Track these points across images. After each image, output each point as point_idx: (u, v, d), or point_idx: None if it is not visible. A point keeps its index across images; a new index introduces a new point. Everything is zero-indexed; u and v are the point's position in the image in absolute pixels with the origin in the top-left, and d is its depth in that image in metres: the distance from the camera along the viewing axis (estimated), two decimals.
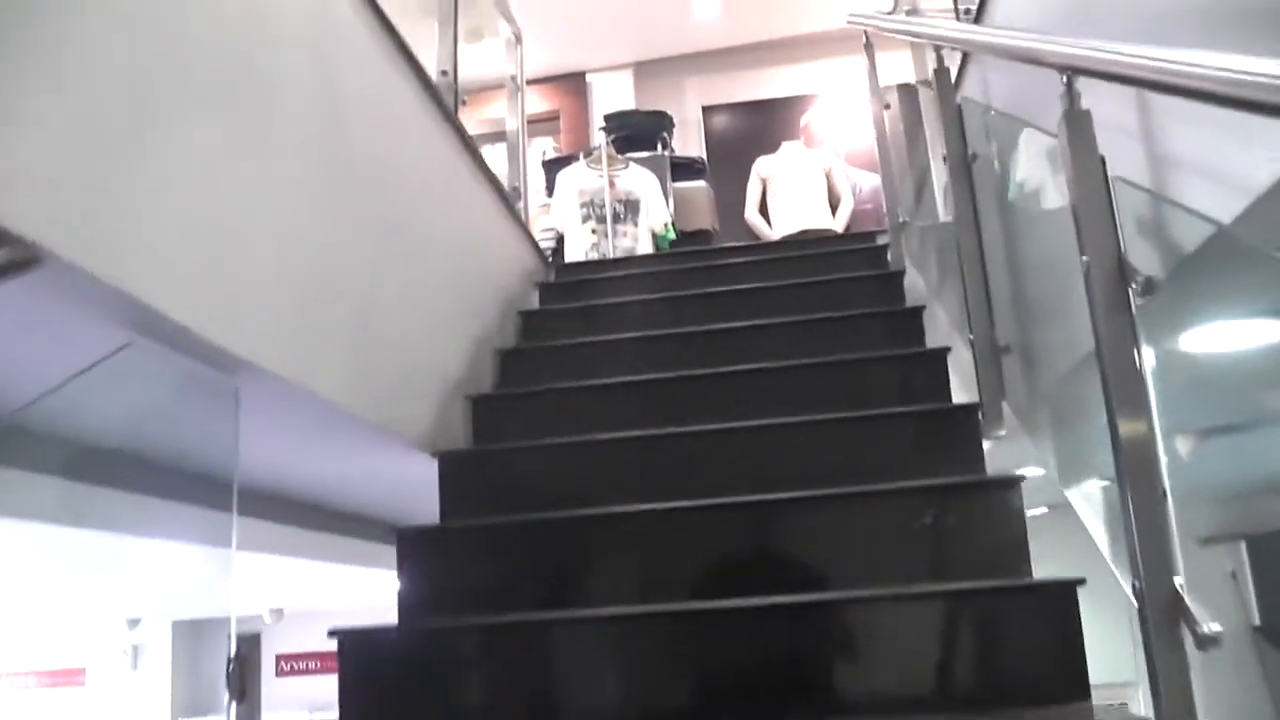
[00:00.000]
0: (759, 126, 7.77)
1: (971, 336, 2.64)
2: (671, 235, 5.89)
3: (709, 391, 2.91)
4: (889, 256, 3.94)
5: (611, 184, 5.77)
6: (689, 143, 7.92)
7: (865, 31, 4.22)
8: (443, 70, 3.63)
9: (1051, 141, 1.87)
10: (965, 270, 2.64)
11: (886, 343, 3.16)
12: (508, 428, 2.99)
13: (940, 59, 2.87)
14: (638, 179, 5.84)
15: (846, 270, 3.83)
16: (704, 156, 6.78)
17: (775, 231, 6.77)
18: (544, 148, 7.83)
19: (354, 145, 2.49)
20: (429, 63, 3.45)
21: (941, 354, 2.86)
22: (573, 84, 7.98)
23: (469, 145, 3.50)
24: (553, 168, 6.46)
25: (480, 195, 3.68)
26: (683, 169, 6.44)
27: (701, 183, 6.45)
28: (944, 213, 3.40)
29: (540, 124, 7.95)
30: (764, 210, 7.00)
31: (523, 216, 4.31)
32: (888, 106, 4.23)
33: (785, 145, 6.99)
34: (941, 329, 3.29)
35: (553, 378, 3.18)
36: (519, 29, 4.61)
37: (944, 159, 2.79)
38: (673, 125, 6.68)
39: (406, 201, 2.92)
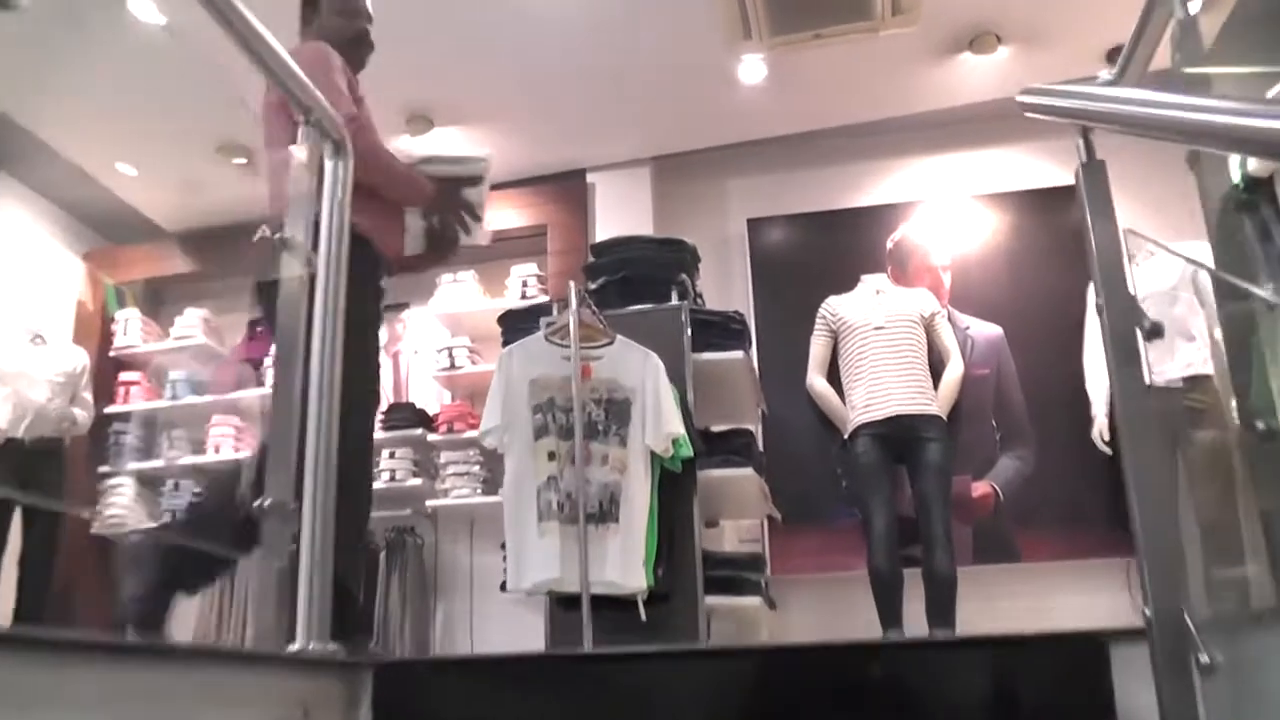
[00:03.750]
0: (829, 250, 5.47)
1: None
2: (685, 452, 3.56)
3: None
4: None
5: (585, 372, 3.48)
6: (730, 281, 5.61)
7: (1083, 130, 1.94)
8: None
9: None
10: None
11: None
12: None
13: None
14: (630, 364, 3.55)
15: None
16: (744, 312, 4.45)
17: (853, 413, 4.47)
18: (523, 276, 5.60)
19: None
20: None
21: None
22: (567, 187, 5.74)
23: None
24: (511, 330, 4.20)
25: None
26: (711, 331, 4.13)
27: (739, 353, 4.13)
28: None
29: (521, 240, 5.72)
30: (836, 374, 4.72)
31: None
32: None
33: (866, 280, 4.77)
34: None
35: None
36: (341, 130, 2.30)
37: None
38: (696, 262, 4.38)
39: None
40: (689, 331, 4.00)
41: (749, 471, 4.01)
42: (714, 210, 5.78)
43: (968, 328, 5.15)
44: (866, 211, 5.52)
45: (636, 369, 3.51)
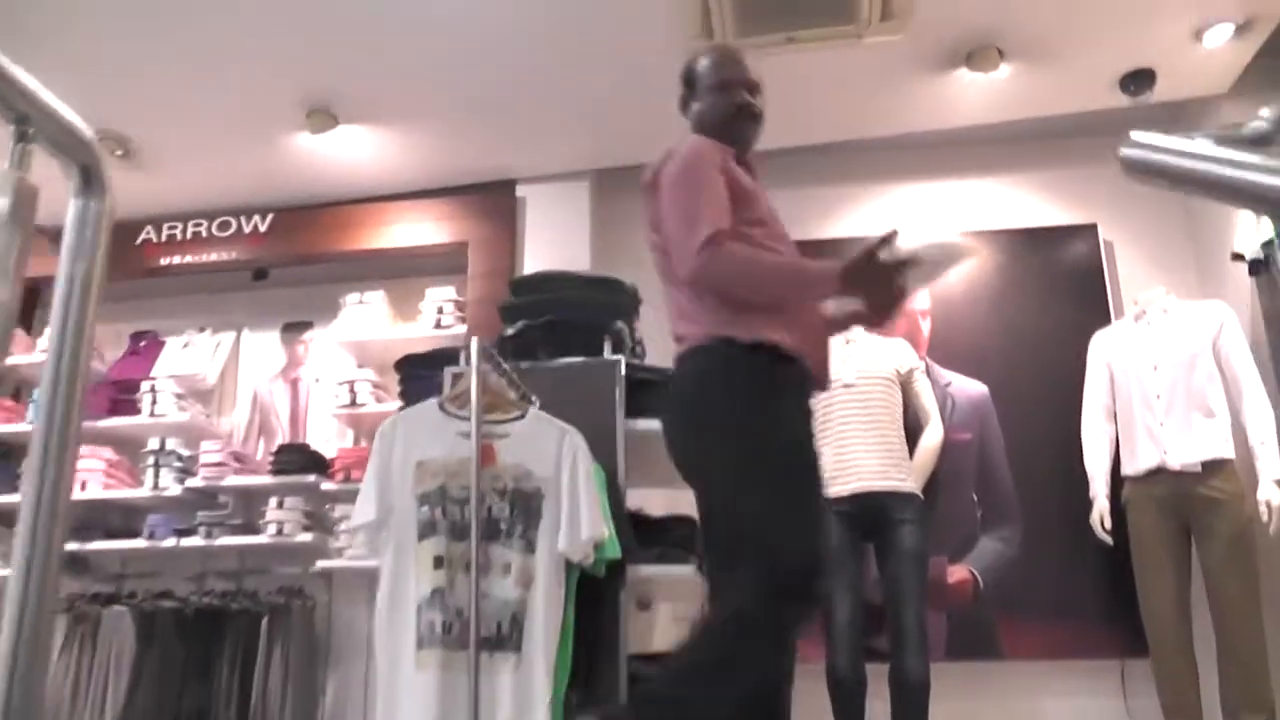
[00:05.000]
0: None
1: None
2: (612, 554, 2.86)
3: None
4: None
5: (486, 455, 2.75)
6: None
7: None
8: None
9: None
10: None
11: None
12: None
13: None
14: (544, 444, 2.82)
15: None
16: None
17: None
18: (439, 301, 4.85)
19: None
20: None
21: None
22: (493, 199, 4.97)
23: None
24: (410, 379, 3.48)
25: None
26: (652, 392, 3.41)
27: None
28: None
29: (438, 258, 4.97)
30: None
31: None
32: None
33: None
34: None
35: None
36: (93, 154, 1.55)
37: None
38: (636, 305, 3.67)
39: None
40: (624, 392, 3.31)
41: (690, 570, 3.30)
42: None
43: (948, 384, 4.49)
44: (836, 244, 4.79)
45: (551, 452, 2.79)
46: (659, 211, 2.26)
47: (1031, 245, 4.65)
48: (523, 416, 2.82)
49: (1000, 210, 4.76)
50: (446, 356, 3.47)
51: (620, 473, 3.21)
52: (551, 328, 3.43)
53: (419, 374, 3.57)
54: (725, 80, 2.47)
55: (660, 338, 4.54)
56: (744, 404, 2.09)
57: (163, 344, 5.46)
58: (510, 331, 3.45)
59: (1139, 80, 4.03)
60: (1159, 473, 3.82)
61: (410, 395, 3.60)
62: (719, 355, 2.13)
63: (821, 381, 2.30)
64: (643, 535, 3.26)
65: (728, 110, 2.45)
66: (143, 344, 5.49)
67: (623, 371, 3.32)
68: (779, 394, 2.12)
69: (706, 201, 2.15)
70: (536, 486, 2.74)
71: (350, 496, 4.56)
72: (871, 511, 3.75)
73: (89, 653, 4.78)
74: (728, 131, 2.42)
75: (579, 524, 2.70)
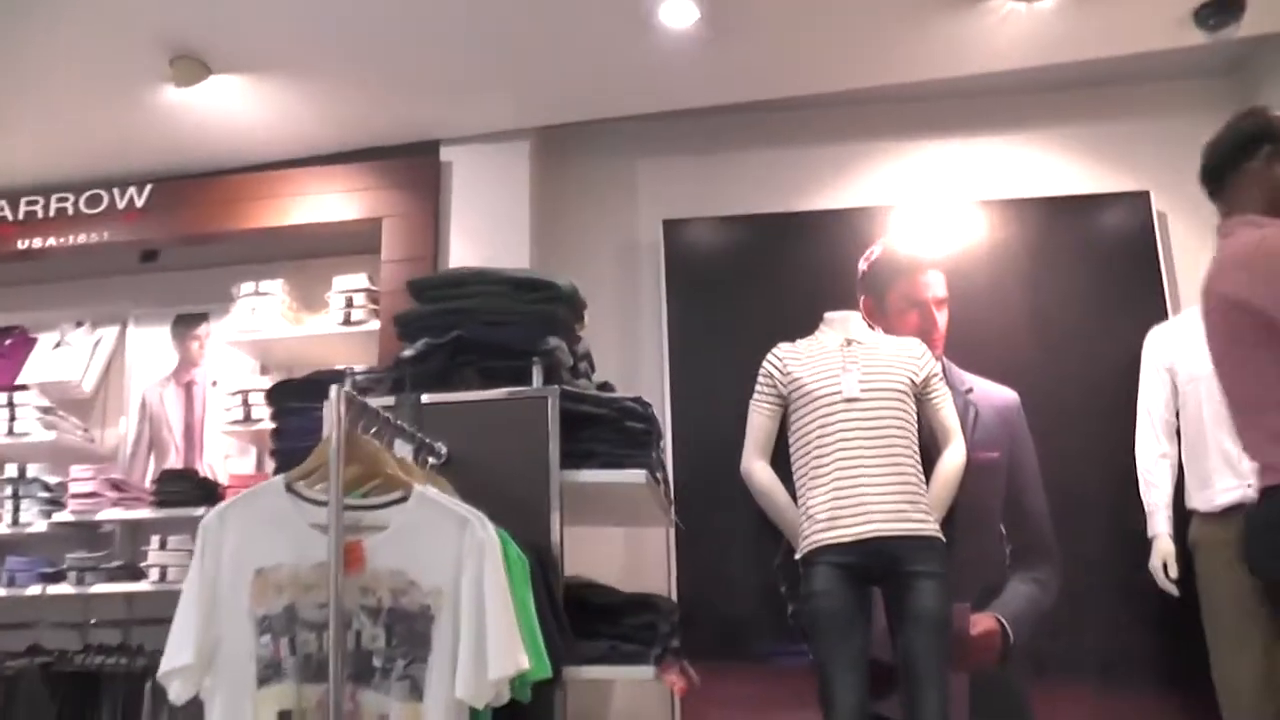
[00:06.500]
0: (777, 270, 3.95)
1: None
2: (540, 674, 2.04)
3: None
4: None
5: (353, 559, 1.91)
6: (636, 309, 4.07)
7: None
8: None
9: None
10: None
11: None
12: None
13: None
14: (435, 541, 1.97)
15: None
16: (647, 398, 2.83)
17: (811, 526, 3.01)
18: (347, 290, 4.00)
19: None
20: None
21: None
22: (411, 165, 4.08)
23: None
24: (286, 414, 2.68)
25: None
26: (598, 431, 2.61)
27: (639, 474, 2.60)
28: None
29: (347, 238, 4.12)
30: (783, 454, 3.23)
31: None
32: None
33: (831, 320, 3.35)
34: None
35: None
36: None
37: None
38: (578, 313, 2.83)
39: None
40: (558, 435, 2.49)
41: (649, 671, 2.50)
42: (618, 205, 4.21)
43: (969, 390, 3.69)
44: (830, 216, 3.98)
45: (446, 551, 1.95)
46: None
47: (1070, 217, 3.85)
48: (405, 499, 1.98)
49: (1034, 174, 3.99)
50: (330, 382, 2.62)
51: (554, 541, 2.42)
52: (462, 347, 2.59)
53: (294, 406, 2.73)
54: None
55: (615, 350, 3.82)
56: None
57: (33, 341, 4.60)
58: (409, 353, 2.61)
59: (1222, 9, 3.25)
60: (1239, 509, 3.05)
61: (284, 435, 2.76)
62: None
63: None
64: (586, 625, 2.46)
65: None
66: (8, 342, 4.65)
67: (557, 407, 2.49)
68: None
69: None
70: (424, 604, 1.91)
71: None
72: (882, 562, 3.00)
73: None
74: None
75: (484, 659, 1.87)
